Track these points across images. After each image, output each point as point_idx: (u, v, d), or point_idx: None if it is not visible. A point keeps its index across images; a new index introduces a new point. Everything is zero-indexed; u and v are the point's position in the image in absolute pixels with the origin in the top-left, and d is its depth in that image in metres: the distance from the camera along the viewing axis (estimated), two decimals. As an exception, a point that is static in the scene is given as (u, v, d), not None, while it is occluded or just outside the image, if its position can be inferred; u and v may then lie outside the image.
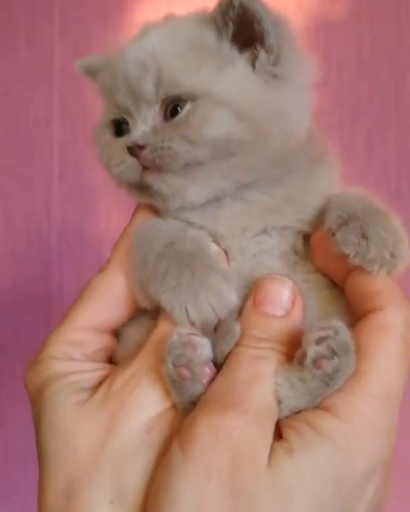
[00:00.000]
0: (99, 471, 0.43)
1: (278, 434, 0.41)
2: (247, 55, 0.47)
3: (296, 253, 0.50)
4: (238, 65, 0.47)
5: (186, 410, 0.43)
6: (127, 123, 0.49)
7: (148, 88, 0.46)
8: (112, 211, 1.14)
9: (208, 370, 0.44)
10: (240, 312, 0.47)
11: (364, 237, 0.44)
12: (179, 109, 0.46)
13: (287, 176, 0.49)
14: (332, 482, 0.39)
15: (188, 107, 0.46)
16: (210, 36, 0.47)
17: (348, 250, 0.44)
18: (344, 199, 0.47)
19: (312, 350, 0.41)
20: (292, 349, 0.44)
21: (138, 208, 0.53)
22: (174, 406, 0.44)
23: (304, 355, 0.41)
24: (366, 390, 0.41)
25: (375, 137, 1.08)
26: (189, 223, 0.50)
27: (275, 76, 0.47)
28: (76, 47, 1.14)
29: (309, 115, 0.49)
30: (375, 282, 0.44)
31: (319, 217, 0.48)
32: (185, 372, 0.43)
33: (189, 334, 0.44)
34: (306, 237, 0.49)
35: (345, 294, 0.47)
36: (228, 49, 0.47)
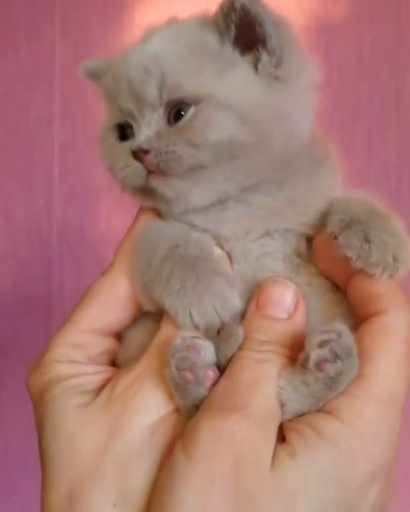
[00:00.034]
0: (102, 474, 0.43)
1: (281, 437, 0.41)
2: (249, 57, 0.47)
3: (299, 256, 0.50)
4: (241, 67, 0.47)
5: (189, 413, 0.43)
6: (131, 127, 0.49)
7: (151, 92, 0.46)
8: (113, 211, 1.14)
9: (211, 374, 0.44)
10: (243, 315, 0.47)
11: (367, 240, 0.44)
12: (183, 113, 0.46)
13: (289, 178, 0.49)
14: (335, 485, 0.39)
15: (191, 110, 0.46)
16: (212, 39, 0.47)
17: (350, 253, 0.44)
18: (346, 202, 0.47)
19: (315, 354, 0.41)
20: (295, 352, 0.44)
21: (141, 210, 0.53)
22: (177, 409, 0.44)
23: (307, 358, 0.41)
24: (369, 393, 0.41)
25: (375, 137, 1.08)
26: (193, 226, 0.50)
27: (277, 78, 0.47)
28: (77, 47, 1.14)
29: (312, 116, 0.49)
30: (377, 286, 0.45)
31: (322, 220, 0.48)
32: (188, 375, 0.43)
33: (193, 337, 0.44)
34: (309, 240, 0.49)
35: (347, 297, 0.47)
36: (230, 52, 0.47)
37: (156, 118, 0.47)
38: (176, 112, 0.46)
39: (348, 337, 0.41)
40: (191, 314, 0.44)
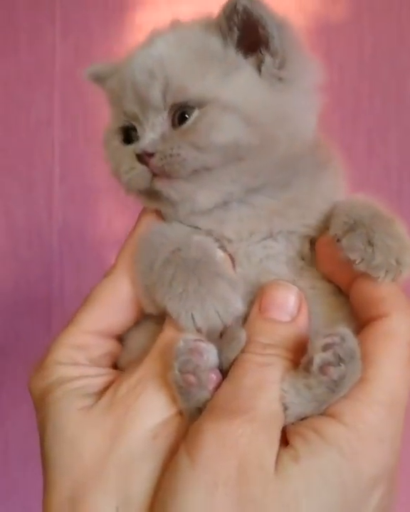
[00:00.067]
0: (104, 478, 0.42)
1: (284, 441, 0.41)
2: (252, 59, 0.47)
3: (302, 259, 0.50)
4: (244, 70, 0.47)
5: (192, 416, 0.43)
6: (136, 130, 0.49)
7: (156, 95, 0.47)
8: (114, 212, 1.14)
9: (214, 377, 0.44)
10: (245, 318, 0.47)
11: (370, 243, 0.44)
12: (187, 116, 0.46)
13: (293, 180, 0.49)
14: (338, 489, 0.39)
15: (195, 113, 0.46)
16: (215, 42, 0.47)
17: (354, 256, 0.44)
18: (350, 205, 0.47)
19: (318, 357, 0.41)
20: (298, 355, 0.44)
21: (143, 211, 0.53)
22: (180, 412, 0.44)
23: (310, 362, 0.41)
24: (372, 396, 0.41)
25: (376, 138, 1.08)
26: (196, 227, 0.50)
27: (280, 79, 0.47)
28: (77, 48, 1.14)
29: (316, 117, 0.49)
30: (380, 289, 0.45)
31: (325, 223, 0.48)
32: (191, 378, 0.43)
33: (195, 340, 0.44)
34: (313, 243, 0.49)
35: (350, 301, 0.47)
36: (233, 54, 0.47)
37: (161, 121, 0.47)
38: (180, 115, 0.46)
39: (351, 340, 0.41)
40: (193, 317, 0.44)
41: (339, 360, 0.40)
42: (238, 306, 0.46)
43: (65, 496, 0.43)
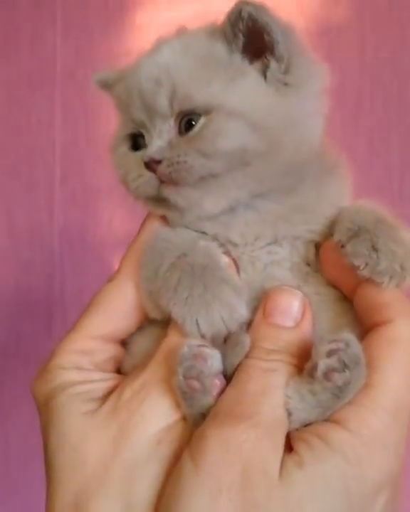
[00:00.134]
0: (108, 483, 0.42)
1: (288, 447, 0.41)
2: (258, 65, 0.47)
3: (308, 265, 0.50)
4: (250, 75, 0.47)
5: (196, 422, 0.43)
6: (143, 137, 0.50)
7: (162, 103, 0.47)
8: (114, 213, 1.14)
9: (218, 382, 0.44)
10: (250, 323, 0.47)
11: (374, 249, 0.44)
12: (194, 123, 0.46)
13: (299, 185, 0.49)
14: (342, 495, 0.39)
15: (202, 120, 0.46)
16: (221, 49, 0.47)
17: (358, 262, 0.44)
18: (354, 211, 0.47)
19: (323, 363, 0.41)
20: (302, 361, 0.44)
21: (148, 216, 0.53)
22: (184, 417, 0.44)
23: (314, 368, 0.41)
24: (376, 402, 0.41)
25: (377, 139, 1.08)
26: (202, 232, 0.50)
27: (286, 84, 0.47)
28: (78, 49, 1.14)
29: (322, 122, 0.50)
30: (384, 294, 0.45)
31: (330, 228, 0.48)
32: (195, 384, 0.43)
33: (200, 346, 0.44)
34: (318, 249, 0.49)
35: (354, 306, 0.47)
36: (239, 61, 0.47)
37: (168, 128, 0.48)
38: (187, 122, 0.47)
39: (356, 346, 0.41)
40: (198, 323, 0.44)
41: (344, 366, 0.40)
42: (243, 312, 0.46)
43: (69, 501, 0.43)
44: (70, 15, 1.15)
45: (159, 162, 0.47)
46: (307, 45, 0.49)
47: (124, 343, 0.52)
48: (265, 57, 0.47)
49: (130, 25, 1.13)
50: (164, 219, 0.52)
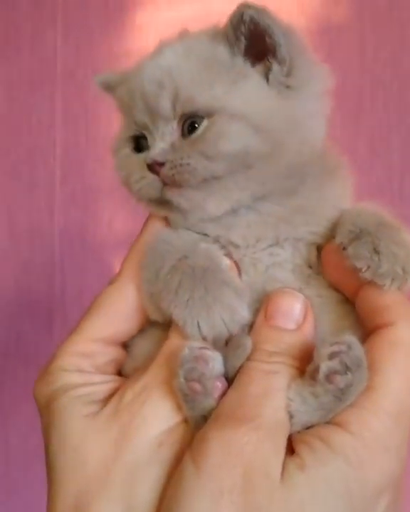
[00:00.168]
0: (109, 485, 0.42)
1: (290, 450, 0.41)
2: (260, 67, 0.48)
3: (310, 267, 0.50)
4: (252, 78, 0.47)
5: (197, 424, 0.43)
6: (146, 139, 0.50)
7: (165, 105, 0.47)
8: (115, 213, 1.14)
9: (219, 385, 0.44)
10: (251, 326, 0.47)
11: (376, 251, 0.44)
12: (196, 126, 0.47)
13: (300, 187, 0.50)
14: (344, 498, 0.39)
15: (205, 123, 0.46)
16: (223, 52, 0.48)
17: (360, 264, 0.44)
18: (356, 214, 0.47)
19: (325, 365, 0.41)
20: (304, 363, 0.44)
21: (150, 218, 0.53)
22: (185, 420, 0.44)
23: (316, 370, 0.41)
24: (378, 405, 0.41)
25: (378, 139, 1.08)
26: (204, 234, 0.50)
27: (288, 87, 0.47)
28: (78, 49, 1.14)
29: (324, 123, 0.50)
30: (385, 297, 0.44)
31: (332, 230, 0.48)
32: (197, 386, 0.42)
33: (201, 348, 0.44)
34: (320, 251, 0.49)
35: (355, 309, 0.47)
36: (241, 63, 0.47)
37: (170, 130, 0.48)
38: (189, 124, 0.47)
39: (358, 349, 0.41)
40: (199, 325, 0.44)
41: (346, 368, 0.40)
42: (244, 314, 0.45)
43: (70, 503, 0.43)
44: (71, 15, 1.15)
45: (161, 164, 0.47)
46: (309, 47, 0.49)
47: (125, 345, 0.52)
48: (267, 60, 0.47)
49: (130, 25, 1.13)
50: (165, 220, 0.52)
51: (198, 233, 0.50)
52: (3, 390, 1.18)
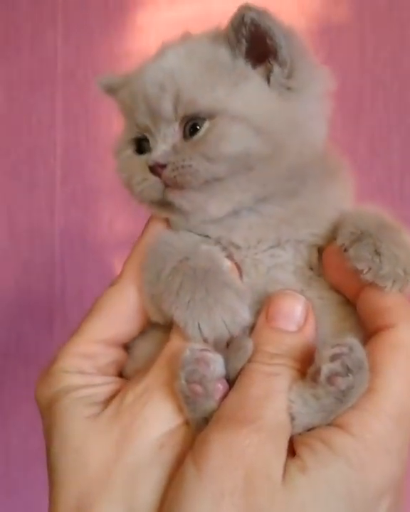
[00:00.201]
0: (110, 487, 0.42)
1: (292, 451, 0.41)
2: (261, 69, 0.48)
3: (311, 268, 0.50)
4: (253, 80, 0.47)
5: (198, 426, 0.43)
6: (148, 141, 0.50)
7: (167, 107, 0.47)
8: (115, 214, 1.14)
9: (220, 387, 0.44)
10: (253, 327, 0.47)
11: (377, 253, 0.44)
12: (198, 128, 0.47)
13: (301, 189, 0.50)
14: (346, 500, 0.39)
15: (206, 125, 0.46)
16: (224, 54, 0.48)
17: (361, 266, 0.44)
18: (357, 215, 0.47)
19: (326, 367, 0.41)
20: (305, 365, 0.44)
21: (151, 219, 0.53)
22: (187, 422, 0.44)
23: (318, 372, 0.41)
24: (379, 407, 0.41)
25: (378, 139, 1.08)
26: (205, 235, 0.50)
27: (289, 88, 0.48)
28: (78, 49, 1.14)
29: (326, 125, 0.50)
30: (386, 299, 0.45)
31: (334, 232, 0.48)
32: (198, 388, 0.42)
33: (202, 350, 0.44)
34: (321, 253, 0.49)
35: (357, 311, 0.47)
36: (242, 65, 0.47)
37: (172, 132, 0.48)
38: (191, 126, 0.47)
39: (359, 351, 0.41)
40: (200, 327, 0.44)
41: (347, 370, 0.40)
42: (245, 315, 0.45)
43: (72, 504, 0.43)
44: (71, 15, 1.15)
45: (163, 166, 0.47)
46: (309, 49, 0.49)
47: (126, 347, 0.52)
48: (268, 62, 0.47)
49: (131, 25, 1.13)
50: (166, 222, 0.52)
51: (200, 235, 0.50)
52: (3, 390, 1.18)
